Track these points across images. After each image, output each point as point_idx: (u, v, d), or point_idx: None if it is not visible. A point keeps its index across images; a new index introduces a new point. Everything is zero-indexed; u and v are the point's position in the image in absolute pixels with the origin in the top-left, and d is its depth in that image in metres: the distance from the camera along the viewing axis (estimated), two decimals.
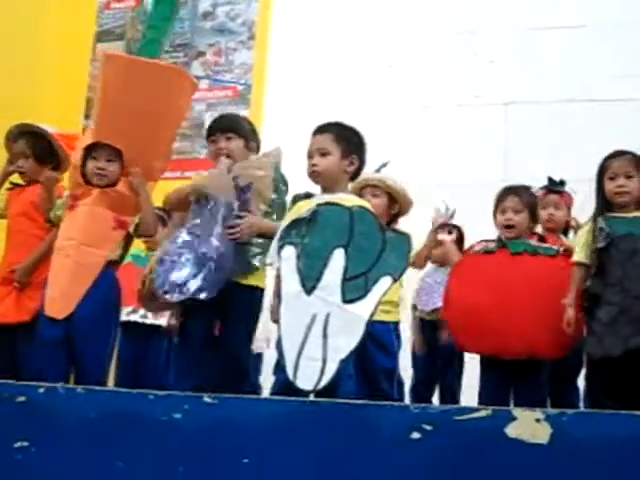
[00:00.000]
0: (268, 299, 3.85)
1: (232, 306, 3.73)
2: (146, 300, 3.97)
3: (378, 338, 3.87)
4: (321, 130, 3.58)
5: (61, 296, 3.89)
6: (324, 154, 3.51)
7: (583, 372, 4.23)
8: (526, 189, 4.24)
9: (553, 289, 3.83)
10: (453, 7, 7.39)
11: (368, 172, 4.07)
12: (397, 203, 4.41)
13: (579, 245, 3.82)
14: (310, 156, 3.56)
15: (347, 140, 3.56)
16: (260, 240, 3.74)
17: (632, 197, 3.77)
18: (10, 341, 4.23)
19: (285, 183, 3.90)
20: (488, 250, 4.09)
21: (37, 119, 4.68)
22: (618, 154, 3.84)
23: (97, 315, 3.93)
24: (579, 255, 3.79)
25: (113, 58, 4.21)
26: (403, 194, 4.42)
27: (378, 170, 4.46)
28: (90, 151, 4.04)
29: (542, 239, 4.20)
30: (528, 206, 4.12)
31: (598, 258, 3.69)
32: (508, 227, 4.09)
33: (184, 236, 3.78)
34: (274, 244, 3.27)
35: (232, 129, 3.98)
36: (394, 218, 4.45)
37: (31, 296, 4.21)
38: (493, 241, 4.14)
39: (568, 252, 3.97)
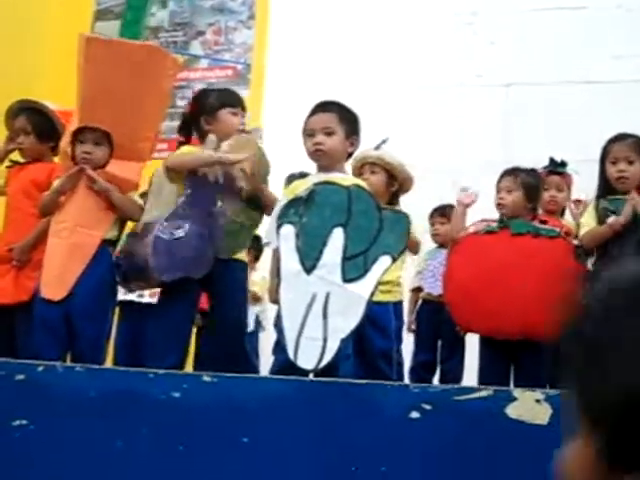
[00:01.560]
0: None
1: (223, 281, 3.70)
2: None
3: (375, 319, 3.85)
4: (324, 108, 3.54)
5: (57, 278, 3.89)
6: (329, 133, 3.48)
7: None
8: (527, 171, 4.23)
9: (552, 271, 3.81)
10: None
11: (367, 149, 4.04)
12: (396, 180, 4.38)
13: (584, 225, 3.83)
14: (311, 134, 3.51)
15: (349, 121, 3.54)
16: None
17: (632, 182, 3.76)
18: (9, 321, 4.21)
19: (267, 164, 3.85)
20: (490, 230, 4.08)
21: (36, 97, 4.65)
22: (620, 138, 3.82)
23: (95, 294, 3.92)
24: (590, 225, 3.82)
25: (93, 40, 4.18)
26: (402, 170, 4.38)
27: (377, 147, 4.43)
28: (77, 135, 4.01)
29: (543, 222, 4.18)
30: (524, 186, 4.09)
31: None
32: (499, 205, 4.09)
33: (177, 218, 3.75)
34: (271, 224, 3.26)
35: (246, 109, 3.96)
36: (395, 196, 4.42)
37: (29, 275, 4.18)
38: (494, 221, 4.13)
39: (569, 234, 3.97)
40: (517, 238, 4.01)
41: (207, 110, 3.89)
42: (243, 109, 3.91)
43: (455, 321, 4.20)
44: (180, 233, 3.66)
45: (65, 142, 4.10)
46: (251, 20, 7.86)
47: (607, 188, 3.81)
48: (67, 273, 3.88)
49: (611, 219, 3.67)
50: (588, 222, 3.81)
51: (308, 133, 3.52)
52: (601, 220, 3.74)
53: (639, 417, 0.76)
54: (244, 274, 3.84)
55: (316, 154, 3.50)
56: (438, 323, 5.05)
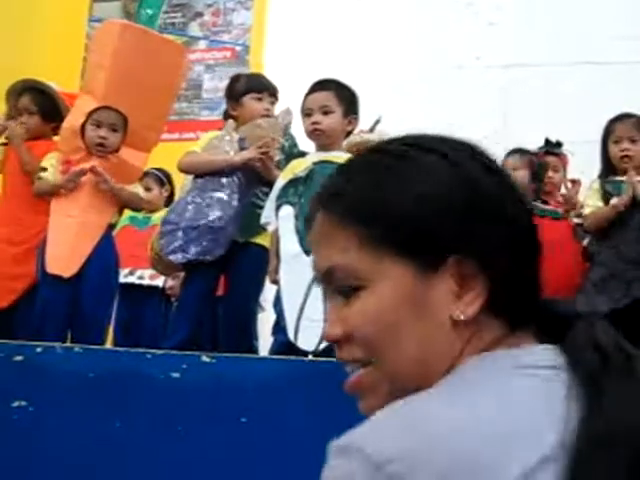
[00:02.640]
0: None
1: (240, 264, 3.70)
2: (154, 261, 3.97)
3: None
4: (322, 87, 3.51)
5: (67, 254, 3.89)
6: (327, 112, 3.45)
7: None
8: (533, 152, 4.25)
9: (558, 249, 3.80)
10: None
11: (362, 131, 4.01)
12: None
13: (590, 205, 3.79)
14: (309, 113, 3.48)
15: (347, 99, 3.51)
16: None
17: (636, 161, 3.75)
18: (6, 324, 4.17)
19: (294, 144, 3.84)
20: None
21: (34, 77, 4.63)
22: (623, 117, 3.81)
23: (102, 277, 3.95)
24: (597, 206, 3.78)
25: (130, 28, 4.24)
26: None
27: (372, 129, 4.42)
28: (92, 116, 3.98)
29: (545, 203, 4.18)
30: (529, 166, 4.10)
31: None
32: None
33: (191, 199, 3.75)
34: (269, 204, 3.24)
35: (277, 95, 3.93)
36: None
37: (16, 275, 4.18)
38: None
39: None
40: None
41: (233, 95, 3.91)
42: (271, 94, 3.89)
43: None
44: (188, 217, 3.67)
45: (74, 121, 4.07)
46: (250, 1, 7.82)
47: (610, 168, 3.80)
48: (78, 251, 3.90)
49: (614, 200, 3.66)
50: (593, 202, 3.78)
51: (306, 112, 3.50)
52: (606, 200, 3.72)
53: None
54: (262, 259, 3.73)
55: (314, 134, 3.48)
56: None
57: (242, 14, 7.82)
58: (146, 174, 5.26)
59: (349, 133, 3.64)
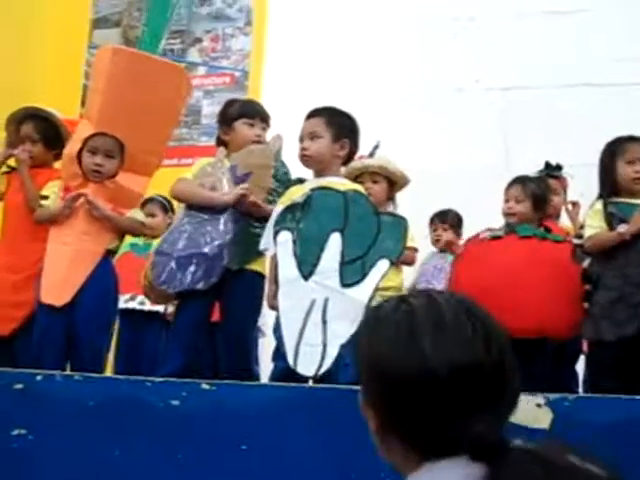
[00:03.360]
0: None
1: (235, 291, 3.68)
2: (147, 290, 3.96)
3: None
4: (313, 114, 3.55)
5: (60, 283, 3.87)
6: (314, 138, 3.47)
7: (582, 357, 4.22)
8: (536, 180, 4.22)
9: (561, 270, 3.78)
10: None
11: (362, 156, 4.02)
12: (396, 185, 4.39)
13: (593, 227, 3.70)
14: (301, 140, 3.52)
15: (338, 124, 3.52)
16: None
17: None
18: (8, 352, 4.16)
19: (286, 172, 3.84)
20: (496, 236, 4.06)
21: (33, 104, 4.63)
22: (635, 138, 3.75)
23: (98, 304, 3.91)
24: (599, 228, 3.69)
25: (121, 52, 4.22)
26: (402, 176, 4.39)
27: (372, 154, 4.43)
28: (88, 143, 3.99)
29: (548, 230, 4.17)
30: (532, 196, 4.08)
31: None
32: (508, 215, 4.07)
33: (184, 228, 3.75)
34: (268, 230, 3.25)
35: (268, 121, 3.94)
36: (390, 198, 4.44)
37: (16, 303, 4.17)
38: (500, 229, 4.11)
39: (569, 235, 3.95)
40: (524, 240, 3.98)
41: (226, 120, 3.92)
42: (263, 120, 3.90)
43: None
44: (181, 246, 3.67)
45: (72, 148, 4.07)
46: (248, 27, 7.86)
47: (614, 189, 3.72)
48: (71, 279, 3.87)
49: (621, 227, 3.59)
50: (596, 224, 3.70)
51: (299, 140, 3.54)
52: (609, 224, 3.66)
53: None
54: (257, 285, 3.74)
55: (303, 159, 3.52)
56: None
57: (241, 40, 7.85)
58: (150, 200, 5.28)
59: (349, 158, 3.63)
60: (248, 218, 3.69)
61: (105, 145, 3.97)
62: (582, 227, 3.88)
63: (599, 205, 3.73)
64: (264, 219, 3.50)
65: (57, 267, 3.90)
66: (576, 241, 3.87)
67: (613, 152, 3.74)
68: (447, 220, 5.24)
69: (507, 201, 4.10)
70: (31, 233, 4.17)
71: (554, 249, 3.89)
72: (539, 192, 4.14)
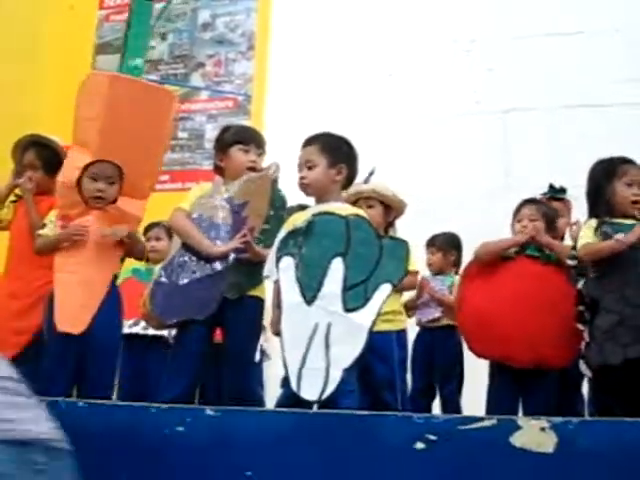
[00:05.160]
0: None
1: (235, 318, 3.70)
2: (148, 317, 3.97)
3: (377, 349, 3.83)
4: (308, 142, 3.56)
5: (76, 312, 3.87)
6: (311, 167, 3.49)
7: (586, 380, 4.22)
8: (545, 202, 4.27)
9: (562, 296, 3.79)
10: (451, 15, 7.39)
11: (357, 183, 4.03)
12: (392, 209, 4.40)
13: (587, 237, 3.69)
14: (299, 169, 3.54)
15: (333, 150, 3.53)
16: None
17: None
18: None
19: (282, 199, 3.85)
20: (506, 256, 4.08)
21: (38, 132, 4.66)
22: (632, 161, 3.76)
23: (109, 330, 3.94)
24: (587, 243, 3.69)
25: (118, 79, 4.24)
26: (397, 200, 4.41)
27: (366, 180, 4.44)
28: (87, 170, 4.00)
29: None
30: (544, 216, 4.12)
31: (599, 263, 3.65)
32: (522, 234, 4.10)
33: (183, 259, 3.77)
34: (271, 257, 3.26)
35: (264, 147, 3.95)
36: (389, 224, 4.45)
37: (19, 329, 4.18)
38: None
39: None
40: (529, 265, 4.00)
41: (221, 146, 3.93)
42: (258, 146, 3.91)
43: (468, 347, 4.18)
44: (178, 277, 3.69)
45: (69, 176, 4.07)
46: (251, 51, 7.91)
47: (610, 209, 3.72)
48: (86, 307, 3.88)
49: (618, 235, 3.59)
50: (590, 235, 3.68)
51: (298, 169, 3.56)
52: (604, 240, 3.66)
53: None
54: (257, 311, 3.76)
55: (302, 188, 3.54)
56: (432, 349, 5.10)
57: (243, 64, 7.90)
58: (157, 225, 5.31)
59: (349, 182, 3.64)
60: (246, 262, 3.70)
61: (106, 172, 3.99)
62: (574, 248, 3.85)
63: (594, 223, 3.72)
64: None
65: (71, 296, 3.89)
66: (570, 262, 3.86)
67: (610, 173, 3.74)
68: (435, 244, 5.30)
69: (519, 220, 4.13)
70: (35, 260, 4.18)
71: (557, 274, 3.90)
72: (550, 213, 4.19)
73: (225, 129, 4.13)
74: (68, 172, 4.06)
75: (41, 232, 4.05)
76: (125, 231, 3.97)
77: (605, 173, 3.76)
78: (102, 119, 4.06)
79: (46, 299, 3.95)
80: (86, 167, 3.99)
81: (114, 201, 4.03)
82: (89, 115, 4.10)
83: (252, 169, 3.82)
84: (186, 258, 3.74)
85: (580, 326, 3.70)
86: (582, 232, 3.77)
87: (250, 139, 3.92)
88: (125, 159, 4.01)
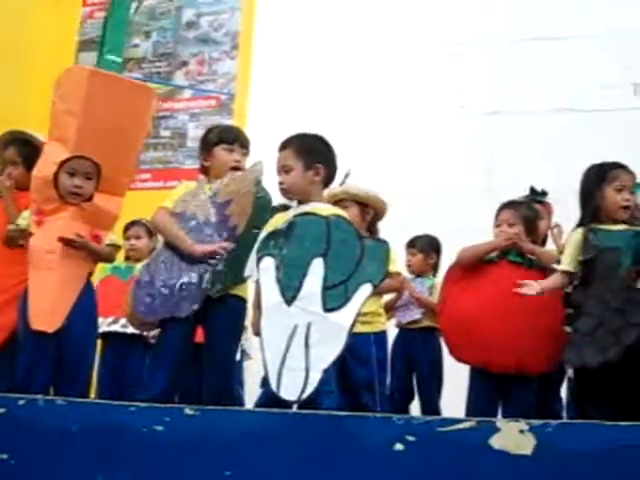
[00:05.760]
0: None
1: (217, 316, 3.69)
2: (130, 317, 3.95)
3: (355, 350, 3.83)
4: (283, 146, 3.56)
5: (50, 309, 3.84)
6: (287, 171, 3.49)
7: (565, 382, 4.24)
8: (525, 204, 4.25)
9: (545, 302, 3.80)
10: (437, 18, 7.41)
11: (332, 187, 4.02)
12: (369, 207, 4.40)
13: (568, 254, 3.73)
14: (277, 173, 3.55)
15: (308, 151, 3.52)
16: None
17: (629, 213, 3.73)
18: None
19: (267, 197, 3.83)
20: (488, 260, 4.08)
21: (22, 128, 4.64)
22: (623, 166, 3.76)
23: (85, 327, 3.92)
24: (567, 264, 3.71)
25: (97, 74, 4.19)
26: (370, 197, 4.40)
27: (342, 183, 4.44)
28: (65, 165, 3.97)
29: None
30: (523, 220, 4.10)
31: (582, 269, 3.66)
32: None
33: (165, 257, 3.76)
34: (253, 257, 3.25)
35: (248, 147, 3.95)
36: (372, 224, 4.44)
37: None
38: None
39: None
40: (512, 269, 4.00)
41: (206, 146, 3.93)
42: (242, 146, 3.91)
43: (449, 352, 4.17)
44: (161, 276, 3.68)
45: (44, 171, 4.04)
46: (234, 50, 7.90)
47: (596, 214, 3.73)
48: (60, 305, 3.85)
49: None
50: (568, 252, 3.72)
51: (277, 173, 3.56)
52: (583, 251, 3.68)
53: None
54: (239, 310, 3.76)
55: (282, 193, 3.56)
56: (410, 351, 5.11)
57: (227, 63, 7.89)
58: (136, 223, 5.30)
59: (329, 179, 3.62)
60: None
61: (84, 167, 3.96)
62: (562, 252, 3.89)
63: (579, 235, 3.72)
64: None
65: (45, 293, 3.87)
66: (556, 266, 3.88)
67: (600, 178, 3.75)
68: (416, 245, 5.31)
69: (498, 225, 4.11)
70: (10, 257, 4.16)
71: (539, 279, 3.87)
72: (531, 216, 4.17)
73: (210, 129, 4.13)
74: (44, 167, 4.03)
75: (14, 225, 4.03)
76: (94, 245, 3.96)
77: (595, 178, 3.77)
78: (80, 114, 4.04)
79: (21, 296, 3.93)
80: (63, 162, 3.96)
81: (90, 198, 4.01)
82: (66, 109, 4.07)
83: (236, 168, 3.82)
84: (170, 256, 3.73)
85: (567, 328, 3.72)
86: (567, 243, 3.79)
87: (234, 139, 3.91)
88: (102, 155, 3.99)
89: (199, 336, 3.82)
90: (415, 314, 5.15)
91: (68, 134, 4.04)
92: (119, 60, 4.36)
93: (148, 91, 4.40)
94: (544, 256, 4.06)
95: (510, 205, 4.19)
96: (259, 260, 3.16)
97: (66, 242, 3.89)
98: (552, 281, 3.75)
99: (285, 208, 3.58)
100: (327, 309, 2.98)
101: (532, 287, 3.68)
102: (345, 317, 2.97)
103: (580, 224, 3.78)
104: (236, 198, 3.74)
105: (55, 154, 4.03)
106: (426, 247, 5.30)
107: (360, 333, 3.84)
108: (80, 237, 3.91)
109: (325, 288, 3.00)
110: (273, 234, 3.20)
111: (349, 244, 3.07)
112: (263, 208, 3.75)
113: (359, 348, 3.95)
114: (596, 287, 3.61)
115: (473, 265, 4.10)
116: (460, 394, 4.10)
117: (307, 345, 2.95)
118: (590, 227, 3.70)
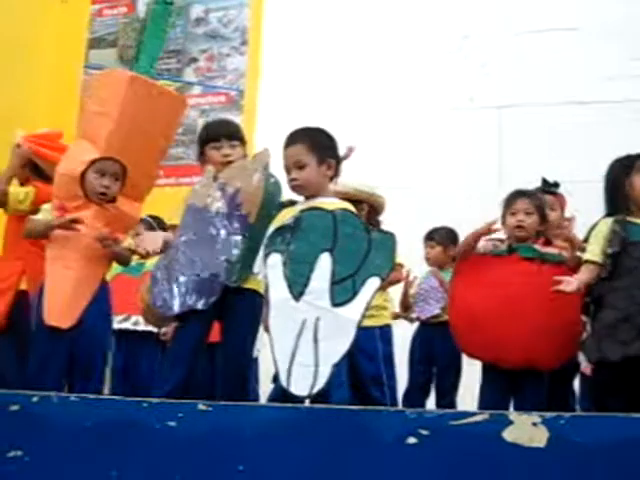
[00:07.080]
0: None
1: (235, 311, 3.68)
2: (146, 313, 3.96)
3: (361, 345, 3.81)
4: (292, 141, 3.47)
5: (66, 306, 3.87)
6: (301, 167, 3.44)
7: (578, 375, 4.23)
8: (536, 193, 4.21)
9: (555, 300, 3.76)
10: (445, 12, 7.39)
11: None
12: (363, 204, 4.36)
13: (596, 245, 3.66)
14: (287, 170, 3.48)
15: (320, 146, 3.47)
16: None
17: None
18: None
19: (276, 183, 3.81)
20: (498, 253, 4.03)
21: (31, 125, 4.67)
22: None
23: (99, 326, 3.96)
24: (596, 255, 3.64)
25: (138, 80, 4.20)
26: (360, 192, 4.36)
27: (345, 156, 4.40)
28: (94, 165, 3.98)
29: (548, 242, 4.14)
30: (538, 209, 4.07)
31: (609, 261, 3.60)
32: (519, 227, 4.02)
33: (180, 250, 3.76)
34: (261, 253, 3.25)
35: (237, 136, 3.92)
36: (370, 219, 4.40)
37: None
38: (501, 241, 4.07)
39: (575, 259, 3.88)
40: (524, 264, 3.95)
41: (199, 147, 3.94)
42: (229, 138, 3.87)
43: (458, 347, 4.15)
44: (177, 268, 3.68)
45: (72, 168, 4.04)
46: (244, 46, 7.90)
47: (626, 204, 3.68)
48: (75, 302, 3.88)
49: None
50: (593, 241, 3.66)
51: (285, 169, 3.50)
52: (610, 242, 3.61)
53: None
54: (256, 305, 3.69)
55: (295, 190, 3.48)
56: (430, 346, 5.09)
57: (236, 59, 7.89)
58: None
59: (336, 172, 3.60)
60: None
61: (113, 168, 3.98)
62: (586, 240, 3.82)
63: (604, 226, 3.67)
64: None
65: (61, 290, 3.89)
66: (584, 257, 3.79)
67: (628, 168, 3.70)
68: (434, 238, 5.28)
69: (513, 214, 4.04)
70: (2, 250, 4.21)
71: (553, 274, 3.81)
72: (543, 205, 4.13)
73: (201, 128, 4.15)
74: (70, 164, 4.04)
75: (34, 217, 4.05)
76: (120, 248, 3.99)
77: (622, 168, 3.72)
78: (116, 117, 4.05)
79: (37, 291, 3.95)
80: (93, 162, 3.97)
81: (114, 200, 4.03)
82: (101, 110, 4.09)
83: (228, 163, 3.80)
84: (185, 249, 3.73)
85: (583, 317, 3.69)
86: (594, 234, 3.72)
87: (218, 135, 3.87)
88: (129, 159, 4.02)
89: (213, 336, 3.83)
90: (434, 309, 5.12)
91: (100, 135, 4.06)
92: (153, 71, 4.37)
93: (181, 101, 4.49)
94: (576, 258, 3.96)
95: (524, 194, 4.11)
96: (266, 256, 3.16)
97: (101, 239, 3.92)
98: (585, 275, 3.66)
99: (292, 203, 3.56)
100: (335, 303, 2.97)
101: (570, 283, 3.60)
102: (353, 311, 2.97)
103: (608, 214, 3.72)
104: (244, 186, 3.73)
105: (83, 152, 4.04)
106: (445, 239, 5.26)
107: (365, 327, 3.82)
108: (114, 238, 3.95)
109: (333, 282, 3.00)
110: (280, 230, 3.19)
111: (356, 238, 3.06)
112: (276, 192, 3.73)
113: (364, 342, 3.93)
114: (622, 280, 3.57)
115: (479, 259, 4.04)
116: (473, 390, 4.10)
117: (316, 340, 2.95)
118: (618, 219, 3.65)
